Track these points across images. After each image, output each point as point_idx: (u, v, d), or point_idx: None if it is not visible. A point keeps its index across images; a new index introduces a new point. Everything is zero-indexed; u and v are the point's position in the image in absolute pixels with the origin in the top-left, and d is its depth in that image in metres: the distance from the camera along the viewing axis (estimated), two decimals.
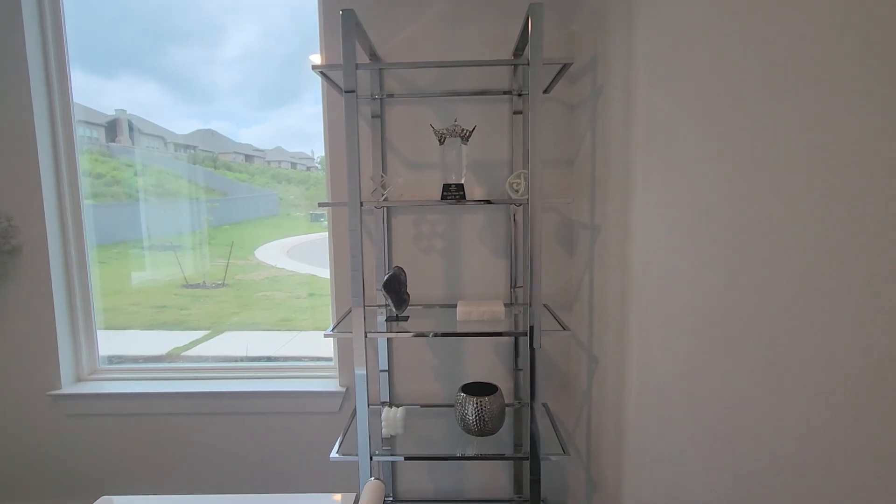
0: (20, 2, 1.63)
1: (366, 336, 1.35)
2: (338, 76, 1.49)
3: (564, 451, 1.43)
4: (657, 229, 1.07)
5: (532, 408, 1.35)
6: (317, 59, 1.83)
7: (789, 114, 0.65)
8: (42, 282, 1.74)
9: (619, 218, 1.29)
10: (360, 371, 1.36)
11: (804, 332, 0.63)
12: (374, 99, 1.65)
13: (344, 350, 1.80)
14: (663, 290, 1.04)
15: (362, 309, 1.33)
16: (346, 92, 1.24)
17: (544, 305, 1.68)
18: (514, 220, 1.70)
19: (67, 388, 1.81)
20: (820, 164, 0.60)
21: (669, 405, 1.02)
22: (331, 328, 1.47)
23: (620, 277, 1.28)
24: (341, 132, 1.68)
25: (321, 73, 1.38)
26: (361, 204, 1.30)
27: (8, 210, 1.70)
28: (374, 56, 1.59)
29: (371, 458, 1.39)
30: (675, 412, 1.00)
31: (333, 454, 1.44)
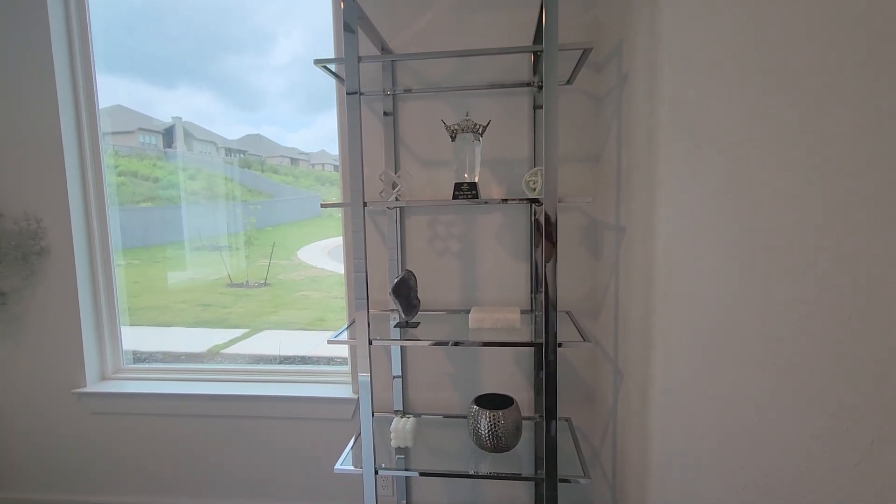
0: (47, 8, 1.68)
1: (370, 343, 1.28)
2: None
3: (585, 474, 1.31)
4: (682, 231, 0.94)
5: (548, 427, 1.23)
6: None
7: (834, 101, 0.52)
8: (69, 282, 1.79)
9: (643, 218, 1.16)
10: (365, 378, 1.30)
11: (846, 343, 0.50)
12: (386, 95, 1.58)
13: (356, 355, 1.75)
14: (689, 297, 0.91)
15: (366, 314, 1.26)
16: (348, 94, 1.18)
17: (567, 313, 1.56)
18: (535, 220, 1.58)
19: (92, 386, 1.85)
20: (870, 159, 0.47)
21: (695, 425, 0.89)
22: (337, 333, 1.41)
23: (645, 284, 1.15)
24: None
25: (324, 67, 1.32)
26: (365, 204, 1.23)
27: (37, 212, 1.76)
28: (385, 51, 1.53)
29: (377, 473, 1.32)
30: (700, 433, 0.87)
31: (338, 466, 1.38)
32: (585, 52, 1.24)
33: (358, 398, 1.73)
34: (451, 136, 1.40)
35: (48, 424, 1.88)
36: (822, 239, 0.55)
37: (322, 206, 1.33)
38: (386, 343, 1.45)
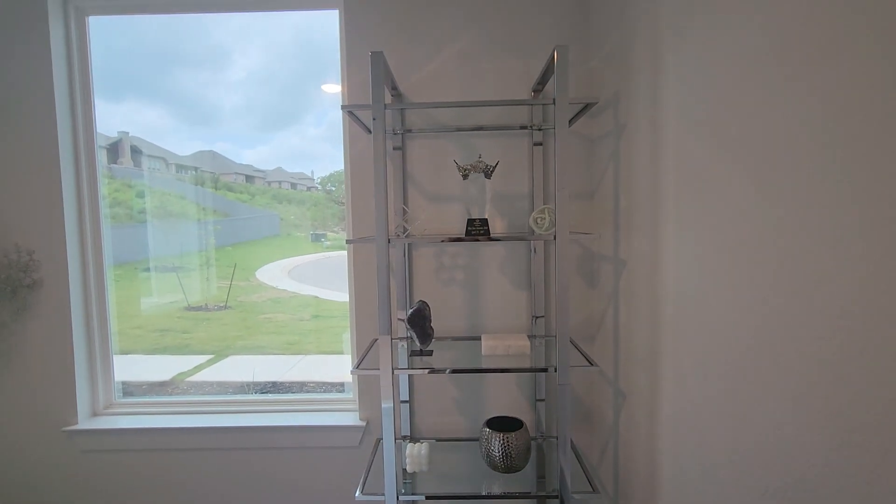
0: (49, 38, 1.66)
1: (393, 373, 1.34)
2: (362, 113, 1.51)
3: (593, 489, 1.41)
4: (692, 268, 1.07)
5: (560, 447, 1.33)
6: (329, 88, 1.86)
7: (834, 156, 0.66)
8: (61, 317, 1.73)
9: (647, 254, 1.29)
10: (388, 405, 1.34)
11: (860, 375, 0.63)
12: (395, 134, 1.67)
13: (365, 383, 1.79)
14: (700, 328, 1.04)
15: (389, 344, 1.32)
16: (374, 119, 1.24)
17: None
18: (535, 251, 1.70)
19: (83, 423, 1.78)
20: (865, 206, 0.61)
21: (709, 440, 1.01)
22: (356, 365, 1.46)
23: (650, 314, 1.28)
24: (363, 166, 1.70)
25: (349, 112, 1.40)
26: (389, 241, 1.30)
27: (29, 244, 1.70)
28: (395, 90, 1.62)
29: (398, 498, 1.37)
30: (716, 447, 0.99)
31: (358, 494, 1.41)
32: (588, 105, 1.38)
33: (366, 425, 1.78)
34: (464, 176, 1.50)
35: (37, 464, 1.79)
36: (825, 273, 0.68)
37: (347, 242, 1.39)
38: (408, 372, 1.51)
